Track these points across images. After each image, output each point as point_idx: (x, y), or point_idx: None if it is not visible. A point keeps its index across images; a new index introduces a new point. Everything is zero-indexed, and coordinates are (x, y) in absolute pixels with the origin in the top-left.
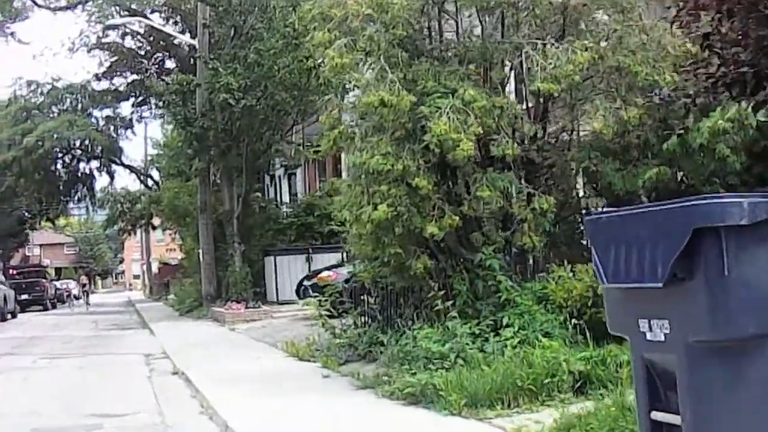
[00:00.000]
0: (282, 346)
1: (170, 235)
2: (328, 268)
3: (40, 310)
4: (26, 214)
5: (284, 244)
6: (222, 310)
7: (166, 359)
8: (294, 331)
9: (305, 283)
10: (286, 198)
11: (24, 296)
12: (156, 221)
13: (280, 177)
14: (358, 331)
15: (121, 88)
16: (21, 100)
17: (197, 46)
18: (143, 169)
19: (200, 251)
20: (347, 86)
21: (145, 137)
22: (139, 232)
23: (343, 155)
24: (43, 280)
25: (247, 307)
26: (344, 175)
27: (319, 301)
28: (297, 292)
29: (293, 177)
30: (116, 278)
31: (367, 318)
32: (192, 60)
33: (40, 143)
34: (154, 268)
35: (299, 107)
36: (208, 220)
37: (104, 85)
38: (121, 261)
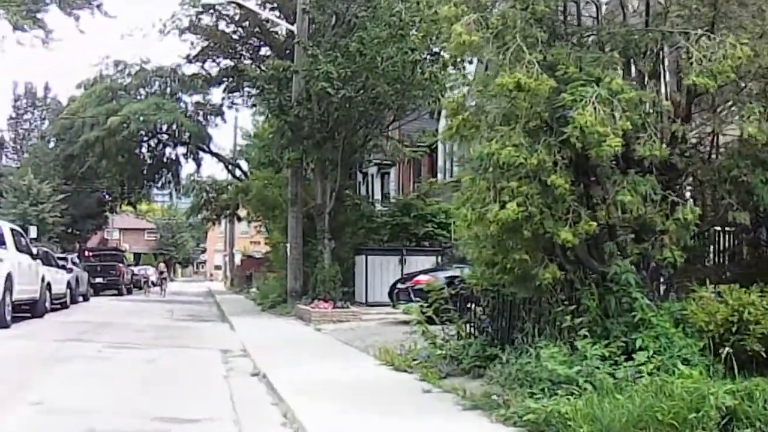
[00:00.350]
0: (374, 353)
1: (255, 227)
2: (425, 272)
3: (114, 295)
4: (107, 196)
5: (376, 243)
6: (308, 308)
7: (245, 358)
8: (385, 336)
9: (399, 286)
10: (377, 197)
11: (98, 279)
12: (242, 212)
13: (372, 175)
14: (463, 342)
15: (213, 73)
16: (107, 80)
17: (296, 32)
18: (231, 158)
19: (288, 245)
20: (465, 74)
21: (235, 126)
22: (223, 222)
23: (440, 155)
24: (120, 264)
25: (335, 307)
26: (440, 176)
27: (421, 306)
28: (390, 295)
29: (386, 176)
30: (197, 267)
31: (473, 329)
32: (288, 49)
33: (125, 125)
34: (237, 259)
35: (399, 102)
36: (298, 214)
37: (194, 68)
38: (203, 251)
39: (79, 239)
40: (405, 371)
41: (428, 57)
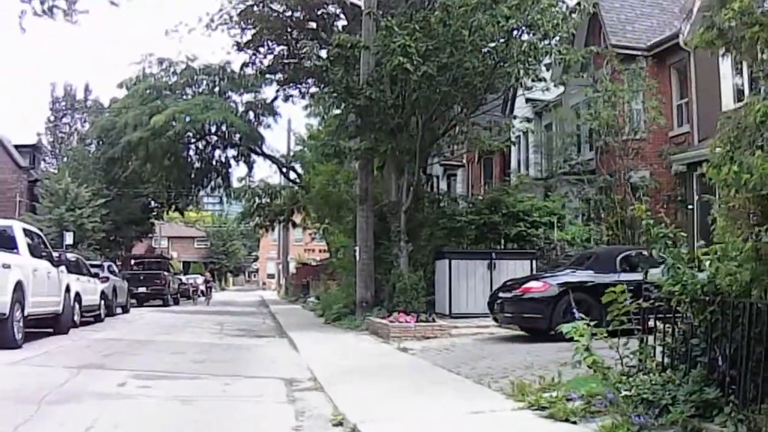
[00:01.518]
0: (498, 386)
1: (310, 234)
2: (533, 278)
3: (159, 306)
4: (152, 202)
5: (459, 246)
6: (384, 321)
7: (318, 392)
8: (499, 360)
9: (503, 294)
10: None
11: (141, 289)
12: (297, 218)
13: (437, 177)
14: (659, 378)
15: (266, 62)
16: (150, 79)
17: (362, 4)
18: (285, 160)
19: (356, 249)
20: None
21: (288, 129)
22: (276, 229)
23: (513, 153)
24: (165, 273)
25: (418, 321)
26: (513, 178)
27: (587, 324)
28: (490, 305)
29: (453, 178)
30: (248, 276)
31: (677, 359)
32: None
33: (171, 124)
34: (292, 267)
35: (488, 81)
36: (369, 213)
37: (244, 58)
38: (255, 259)
39: (122, 247)
40: (566, 420)
41: (524, 27)
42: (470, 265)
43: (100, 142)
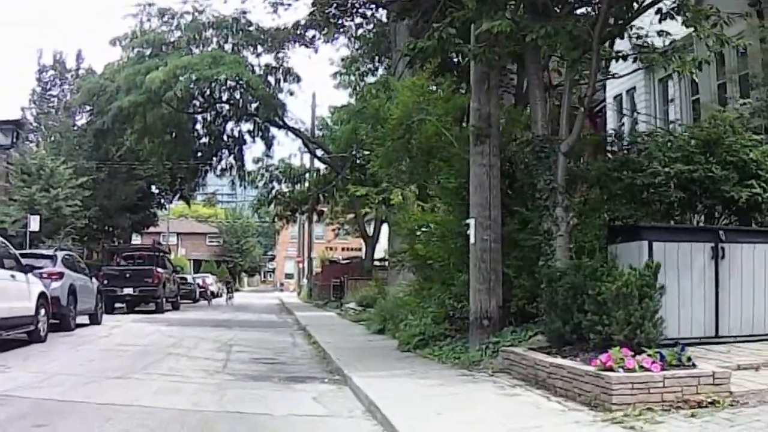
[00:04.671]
0: None
1: (333, 230)
2: None
3: (151, 312)
4: (152, 186)
5: (645, 217)
6: (577, 366)
7: None
8: None
9: None
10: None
11: (127, 290)
12: (319, 207)
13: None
14: None
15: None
16: (150, 35)
17: None
18: (310, 133)
19: (469, 224)
20: None
21: (312, 103)
22: (297, 223)
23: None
24: (158, 270)
25: (667, 366)
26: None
27: None
28: None
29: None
30: (265, 276)
31: None
32: None
33: (171, 84)
34: (316, 266)
35: None
36: (493, 159)
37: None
38: (272, 258)
39: (114, 239)
40: None
41: None
42: (682, 252)
43: (87, 111)
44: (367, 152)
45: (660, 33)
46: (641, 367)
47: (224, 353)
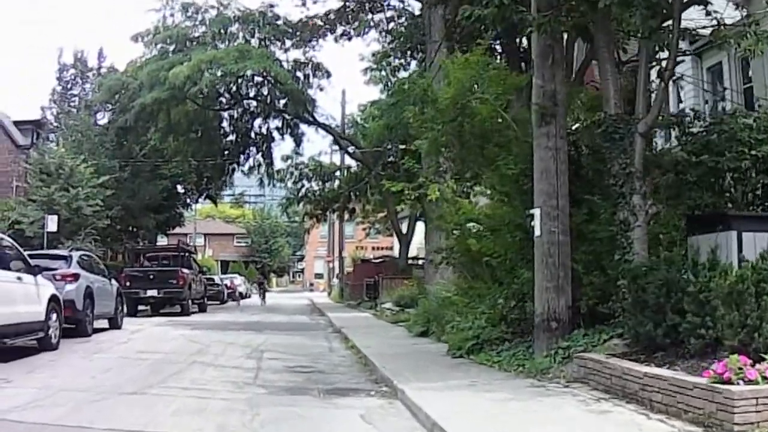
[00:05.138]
0: None
1: (364, 229)
2: None
3: (177, 314)
4: (177, 186)
5: (733, 206)
6: (662, 372)
7: None
8: None
9: None
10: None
11: (151, 292)
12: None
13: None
14: None
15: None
16: (174, 30)
17: None
18: (341, 131)
19: (536, 214)
20: None
21: (342, 100)
22: (328, 221)
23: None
24: (184, 270)
25: None
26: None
27: None
28: None
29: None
30: (294, 277)
31: None
32: None
33: (196, 80)
34: (347, 265)
35: None
36: (559, 141)
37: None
38: (301, 258)
39: (138, 240)
40: None
41: None
42: None
43: (109, 110)
44: (402, 146)
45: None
46: (765, 378)
47: (255, 361)
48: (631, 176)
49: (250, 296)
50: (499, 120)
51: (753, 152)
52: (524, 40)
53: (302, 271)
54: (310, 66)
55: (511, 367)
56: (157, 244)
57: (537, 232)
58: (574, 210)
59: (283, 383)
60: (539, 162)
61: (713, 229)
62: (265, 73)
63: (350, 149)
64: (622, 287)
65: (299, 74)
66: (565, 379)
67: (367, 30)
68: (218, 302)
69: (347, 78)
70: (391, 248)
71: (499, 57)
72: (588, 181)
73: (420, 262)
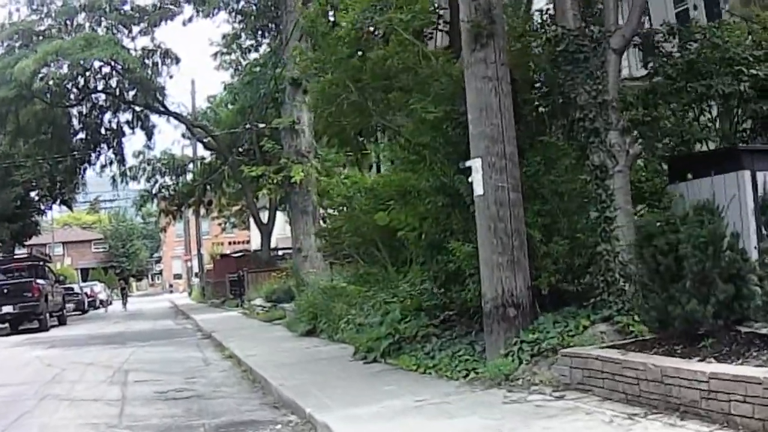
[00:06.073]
0: None
1: (220, 224)
2: None
3: (35, 329)
4: (30, 194)
5: (726, 141)
6: (749, 372)
7: None
8: None
9: None
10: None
11: (6, 309)
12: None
13: None
14: None
15: None
16: (19, 25)
17: None
18: (192, 117)
19: (476, 167)
20: None
21: (192, 89)
22: (183, 219)
23: None
24: (38, 282)
25: None
26: None
27: None
28: None
29: None
30: (152, 279)
31: None
32: None
33: (42, 76)
34: (206, 262)
35: None
36: (500, 68)
37: None
38: (158, 260)
39: None
40: None
41: None
42: None
43: None
44: (261, 124)
45: None
46: None
47: (119, 387)
48: (605, 106)
49: (111, 303)
50: (408, 53)
51: (753, 71)
52: None
53: (161, 273)
54: (158, 53)
55: (456, 374)
56: (9, 255)
57: (479, 191)
58: (521, 159)
59: (157, 420)
60: (476, 97)
61: (720, 170)
62: (113, 62)
63: (205, 139)
64: (605, 254)
65: (148, 62)
66: (551, 386)
67: (216, 11)
68: (80, 312)
69: (197, 68)
70: (249, 242)
71: None
72: (538, 120)
73: (281, 253)
